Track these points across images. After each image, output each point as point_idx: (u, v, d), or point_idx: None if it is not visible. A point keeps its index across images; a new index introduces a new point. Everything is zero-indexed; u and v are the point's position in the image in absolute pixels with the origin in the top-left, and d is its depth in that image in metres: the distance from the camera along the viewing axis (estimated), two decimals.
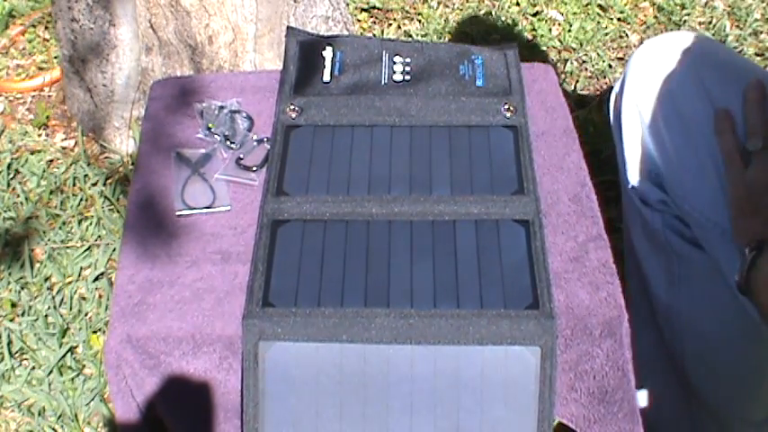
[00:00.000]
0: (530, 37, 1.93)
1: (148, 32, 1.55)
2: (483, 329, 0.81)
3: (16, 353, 1.39)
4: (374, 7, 2.01)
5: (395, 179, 0.95)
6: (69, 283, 1.47)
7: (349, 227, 0.91)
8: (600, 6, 2.01)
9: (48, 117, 1.75)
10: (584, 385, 0.86)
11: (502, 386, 0.82)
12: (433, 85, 1.05)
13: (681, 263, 0.99)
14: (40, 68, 1.88)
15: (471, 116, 1.01)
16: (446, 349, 0.82)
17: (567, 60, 1.87)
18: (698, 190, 0.94)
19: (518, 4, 2.01)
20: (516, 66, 1.08)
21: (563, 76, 1.83)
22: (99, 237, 1.53)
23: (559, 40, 1.92)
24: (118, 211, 1.56)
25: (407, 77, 1.06)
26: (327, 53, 1.09)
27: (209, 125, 1.03)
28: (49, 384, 1.35)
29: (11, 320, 1.43)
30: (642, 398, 1.09)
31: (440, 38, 1.93)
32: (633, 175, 1.02)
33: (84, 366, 1.37)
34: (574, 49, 1.90)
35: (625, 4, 2.01)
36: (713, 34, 1.92)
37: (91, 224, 1.55)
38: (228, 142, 1.01)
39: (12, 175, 1.64)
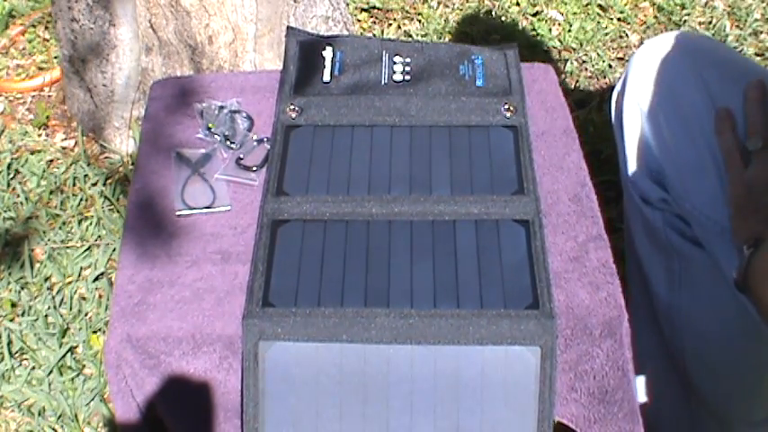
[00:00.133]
0: (530, 37, 1.93)
1: (148, 32, 1.55)
2: (483, 329, 0.81)
3: (16, 353, 1.39)
4: (374, 7, 2.01)
5: (395, 179, 0.95)
6: (69, 283, 1.47)
7: (349, 227, 0.90)
8: (600, 6, 2.01)
9: (48, 117, 1.75)
10: (584, 385, 0.86)
11: (502, 386, 0.82)
12: (433, 85, 1.05)
13: (681, 261, 0.99)
14: (40, 68, 1.88)
15: (471, 116, 1.01)
16: (446, 349, 0.82)
17: (567, 60, 1.87)
18: (698, 188, 0.94)
19: (518, 4, 2.01)
20: (516, 66, 1.08)
21: (563, 76, 1.83)
22: (99, 237, 1.53)
23: (559, 40, 1.92)
24: (118, 211, 1.56)
25: (407, 77, 1.06)
26: (327, 53, 1.09)
27: (209, 125, 1.03)
28: (49, 384, 1.35)
29: (11, 320, 1.43)
30: (641, 395, 1.09)
31: (440, 38, 1.93)
32: (634, 174, 1.02)
33: (84, 366, 1.37)
34: (574, 49, 1.90)
35: (625, 4, 2.01)
36: (713, 34, 1.92)
37: (91, 224, 1.55)
38: (228, 142, 1.01)
39: (12, 175, 1.64)
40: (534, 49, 1.88)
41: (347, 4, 1.82)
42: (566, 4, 2.00)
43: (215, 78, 1.13)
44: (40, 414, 1.32)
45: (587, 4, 2.01)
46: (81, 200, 1.59)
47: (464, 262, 0.87)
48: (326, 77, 1.06)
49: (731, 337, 0.97)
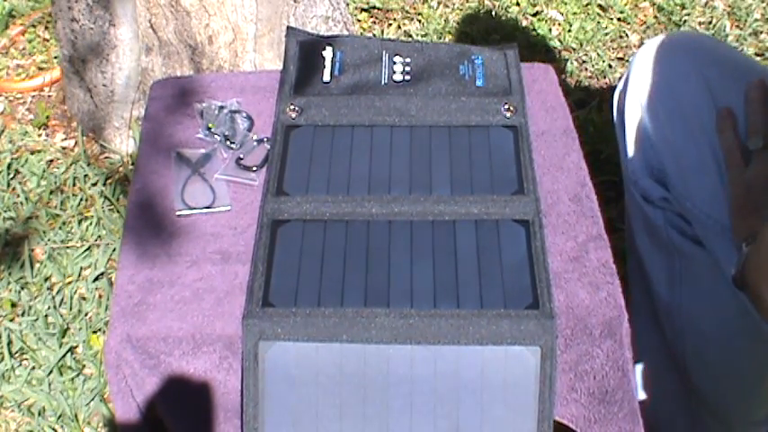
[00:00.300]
0: (530, 37, 1.93)
1: (148, 32, 1.55)
2: (483, 329, 0.81)
3: (16, 353, 1.39)
4: (374, 7, 2.01)
5: (395, 179, 0.95)
6: (69, 283, 1.47)
7: (349, 227, 0.90)
8: (600, 6, 2.01)
9: (48, 117, 1.75)
10: (585, 385, 0.86)
11: (502, 386, 0.82)
12: (432, 85, 1.05)
13: (682, 260, 1.00)
14: (40, 68, 1.88)
15: (471, 116, 1.01)
16: (446, 349, 0.82)
17: (567, 60, 1.87)
18: (699, 186, 0.94)
19: (518, 4, 2.01)
20: (516, 66, 1.08)
21: (563, 76, 1.83)
22: (99, 237, 1.53)
23: (559, 40, 1.92)
24: (118, 211, 1.56)
25: (407, 77, 1.06)
26: (327, 53, 1.09)
27: (209, 125, 1.03)
28: (49, 384, 1.35)
29: (11, 320, 1.43)
30: (641, 395, 1.09)
31: (440, 38, 1.93)
32: (635, 172, 1.02)
33: (84, 366, 1.37)
34: (574, 49, 1.90)
35: (625, 4, 2.01)
36: (713, 34, 1.92)
37: (91, 224, 1.55)
38: (228, 142, 1.01)
39: (12, 175, 1.64)
40: (534, 49, 1.88)
41: (347, 4, 1.82)
42: (566, 4, 2.00)
43: (215, 78, 1.13)
44: (40, 414, 1.32)
45: (587, 4, 2.01)
46: (81, 200, 1.59)
47: (464, 262, 0.87)
48: (326, 77, 1.06)
49: (731, 337, 0.97)
